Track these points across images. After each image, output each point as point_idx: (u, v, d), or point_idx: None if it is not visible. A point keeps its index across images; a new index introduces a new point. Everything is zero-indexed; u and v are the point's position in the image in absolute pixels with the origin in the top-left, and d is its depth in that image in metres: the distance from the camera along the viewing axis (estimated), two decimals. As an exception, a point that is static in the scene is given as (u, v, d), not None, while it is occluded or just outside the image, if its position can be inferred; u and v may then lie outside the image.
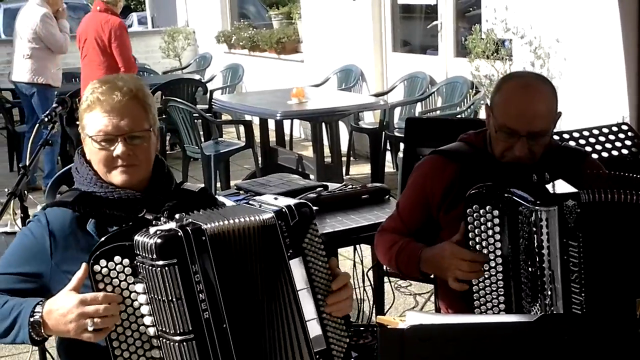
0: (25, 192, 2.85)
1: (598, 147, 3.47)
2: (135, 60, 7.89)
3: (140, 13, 22.01)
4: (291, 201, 2.15)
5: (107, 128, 2.23)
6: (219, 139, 7.72)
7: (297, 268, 2.11)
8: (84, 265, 2.03)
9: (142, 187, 2.30)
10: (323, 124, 6.96)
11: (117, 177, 2.26)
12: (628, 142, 3.50)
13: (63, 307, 2.02)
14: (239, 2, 12.38)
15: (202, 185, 2.50)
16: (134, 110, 2.26)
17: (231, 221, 2.08)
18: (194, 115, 7.14)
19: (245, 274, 2.09)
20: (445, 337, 1.88)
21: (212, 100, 8.07)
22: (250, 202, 2.24)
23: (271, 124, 7.67)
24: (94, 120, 2.24)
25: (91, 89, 2.27)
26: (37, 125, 3.12)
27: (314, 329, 2.12)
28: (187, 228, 2.02)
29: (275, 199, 2.19)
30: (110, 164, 2.25)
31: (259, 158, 7.35)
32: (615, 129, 3.54)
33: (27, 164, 2.93)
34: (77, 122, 2.36)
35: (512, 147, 2.52)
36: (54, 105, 3.08)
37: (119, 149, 2.24)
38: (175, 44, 12.00)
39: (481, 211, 2.37)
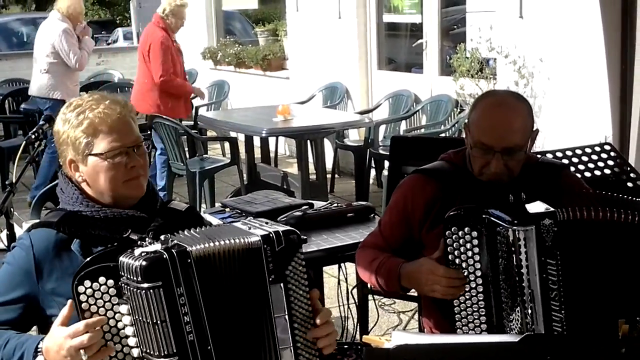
0: (12, 209, 2.84)
1: (581, 167, 3.49)
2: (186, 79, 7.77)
3: (126, 28, 22.06)
4: (281, 227, 2.15)
5: (119, 142, 2.26)
6: (204, 155, 7.72)
7: (277, 294, 2.10)
8: (69, 302, 2.04)
9: (129, 206, 2.30)
10: (308, 141, 6.98)
11: (132, 189, 2.29)
12: (610, 162, 3.52)
13: (55, 344, 2.04)
14: (225, 19, 12.40)
15: (188, 204, 2.51)
16: (132, 121, 2.31)
17: (217, 243, 2.08)
18: (180, 131, 7.15)
19: (229, 296, 2.08)
20: (430, 357, 1.90)
21: (198, 117, 8.08)
22: (242, 222, 2.23)
23: (256, 141, 7.68)
24: (101, 138, 2.25)
25: (85, 108, 2.27)
26: (25, 142, 3.11)
27: (287, 358, 2.12)
28: (173, 250, 2.02)
29: (266, 223, 2.19)
30: (125, 177, 2.27)
31: (244, 175, 7.35)
32: (598, 149, 3.57)
33: (14, 181, 2.92)
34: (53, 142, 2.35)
35: (489, 164, 2.55)
36: (41, 122, 3.07)
37: (134, 160, 2.27)
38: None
39: (460, 232, 2.41)
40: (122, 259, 2.01)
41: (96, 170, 2.27)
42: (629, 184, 3.45)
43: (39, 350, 2.08)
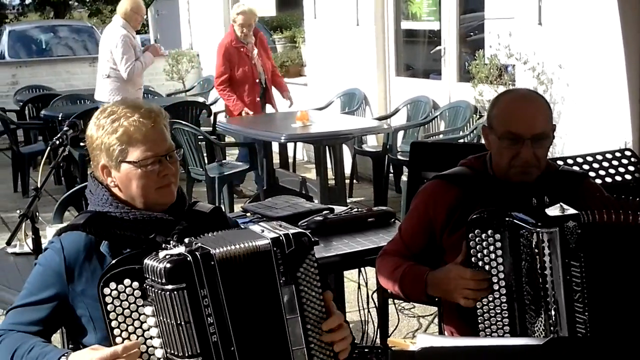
0: (37, 213, 2.87)
1: (602, 172, 3.50)
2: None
3: (144, 36, 22.13)
4: (292, 230, 2.16)
5: (153, 151, 2.28)
6: (223, 161, 7.76)
7: (288, 296, 2.12)
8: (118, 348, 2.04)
9: (159, 211, 2.33)
10: (327, 147, 6.99)
11: (164, 196, 2.32)
12: (631, 168, 3.53)
13: None
14: (243, 26, 12.43)
15: (213, 205, 2.53)
16: (165, 130, 2.34)
17: (238, 246, 2.10)
18: (199, 137, 7.18)
19: (245, 298, 2.10)
20: (455, 359, 1.89)
21: (217, 123, 8.12)
22: (255, 226, 2.25)
23: (275, 147, 7.69)
24: (136, 146, 2.28)
25: (120, 116, 2.29)
26: (49, 147, 3.14)
27: (300, 358, 2.13)
28: (196, 253, 2.04)
29: (280, 225, 2.21)
30: (157, 185, 2.30)
31: (263, 180, 7.37)
32: (618, 154, 3.58)
33: (39, 186, 2.94)
34: (83, 144, 2.39)
35: (518, 154, 2.56)
36: (65, 128, 3.09)
37: (166, 168, 2.30)
38: (179, 67, 12.06)
39: (483, 235, 2.41)
40: (146, 261, 2.04)
41: (129, 177, 2.30)
42: (650, 189, 3.45)
43: None
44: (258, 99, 7.94)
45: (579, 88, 6.03)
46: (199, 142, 7.22)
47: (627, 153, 3.60)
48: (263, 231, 2.18)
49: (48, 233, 3.20)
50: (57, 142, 3.08)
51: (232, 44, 7.85)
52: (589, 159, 3.54)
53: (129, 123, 2.28)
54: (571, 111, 6.10)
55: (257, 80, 7.93)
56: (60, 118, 8.09)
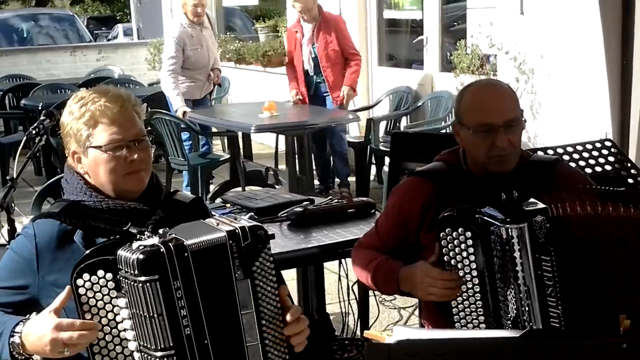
0: (12, 204, 2.84)
1: (581, 162, 3.49)
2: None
3: (126, 24, 22.03)
4: (247, 223, 2.14)
5: (120, 135, 2.25)
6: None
7: (243, 290, 2.10)
8: (67, 288, 2.04)
9: (131, 199, 2.31)
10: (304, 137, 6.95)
11: (132, 183, 2.28)
12: (611, 158, 3.51)
13: (40, 330, 2.04)
14: (225, 15, 12.40)
15: (194, 195, 2.51)
16: (135, 116, 2.31)
17: (199, 239, 2.07)
18: (181, 127, 7.14)
19: (209, 292, 2.08)
20: (432, 352, 1.88)
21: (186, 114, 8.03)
22: (211, 219, 2.23)
23: (253, 137, 7.64)
24: (102, 130, 2.25)
25: (88, 101, 2.27)
26: (25, 137, 3.10)
27: (254, 354, 2.12)
28: (170, 244, 2.02)
29: (235, 219, 2.18)
30: (125, 170, 2.26)
31: (238, 169, 7.34)
32: (598, 145, 3.56)
33: (15, 176, 2.91)
34: (59, 133, 2.37)
35: (493, 144, 2.54)
36: (42, 118, 3.07)
37: (134, 153, 2.26)
38: (161, 56, 11.98)
39: (454, 234, 2.41)
40: (119, 252, 2.02)
41: (96, 163, 2.27)
42: (630, 180, 3.44)
43: (16, 332, 2.09)
44: (304, 88, 7.67)
45: (560, 78, 6.03)
46: (181, 132, 7.18)
47: (607, 144, 3.59)
48: (218, 224, 2.15)
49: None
50: (34, 131, 3.05)
51: (292, 28, 7.71)
52: (569, 149, 3.53)
53: (95, 107, 2.26)
54: (552, 101, 6.10)
55: (302, 69, 7.66)
56: (40, 108, 8.03)
